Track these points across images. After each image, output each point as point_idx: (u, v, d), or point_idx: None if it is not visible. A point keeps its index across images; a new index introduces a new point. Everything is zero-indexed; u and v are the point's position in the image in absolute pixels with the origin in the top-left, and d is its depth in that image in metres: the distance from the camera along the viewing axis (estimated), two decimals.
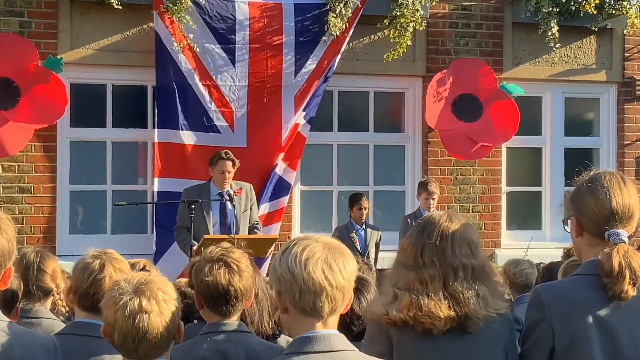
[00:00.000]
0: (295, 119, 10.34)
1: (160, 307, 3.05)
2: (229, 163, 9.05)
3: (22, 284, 4.34)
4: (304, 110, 10.36)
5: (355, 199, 10.15)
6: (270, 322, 4.39)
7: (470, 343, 3.42)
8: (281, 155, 10.30)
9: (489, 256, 10.78)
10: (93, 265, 3.84)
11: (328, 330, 2.85)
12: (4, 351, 2.83)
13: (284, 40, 10.30)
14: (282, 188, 10.39)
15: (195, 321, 4.62)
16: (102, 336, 3.16)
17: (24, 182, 9.79)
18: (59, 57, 9.62)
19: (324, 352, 2.80)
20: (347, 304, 2.91)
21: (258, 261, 8.57)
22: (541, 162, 11.85)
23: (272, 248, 9.13)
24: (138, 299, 3.03)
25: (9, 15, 9.73)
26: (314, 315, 2.83)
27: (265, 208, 10.19)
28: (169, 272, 9.56)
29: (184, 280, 5.27)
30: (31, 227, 9.73)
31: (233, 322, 3.84)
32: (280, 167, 10.32)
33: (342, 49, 10.42)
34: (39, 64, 9.46)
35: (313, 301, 2.81)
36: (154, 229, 10.07)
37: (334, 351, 2.81)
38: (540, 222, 11.83)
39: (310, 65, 10.38)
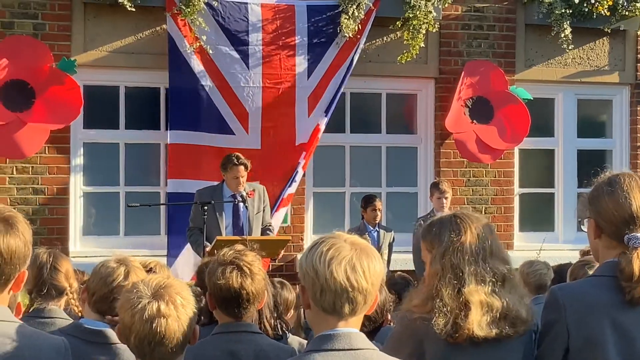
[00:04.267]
0: (317, 122, 10.34)
1: (178, 312, 3.04)
2: (242, 168, 9.02)
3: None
4: (325, 113, 10.36)
5: (369, 200, 10.15)
6: (272, 321, 4.41)
7: (502, 352, 3.42)
8: (303, 154, 10.30)
9: None
10: (118, 272, 3.84)
11: (349, 328, 2.84)
12: (14, 352, 2.83)
13: (297, 42, 10.31)
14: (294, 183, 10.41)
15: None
16: (117, 336, 3.16)
17: (38, 184, 9.82)
18: (72, 58, 9.65)
19: (344, 350, 2.79)
20: (371, 306, 2.89)
21: None
22: (554, 164, 11.82)
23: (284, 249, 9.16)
24: (156, 303, 3.02)
25: (23, 18, 9.76)
26: (334, 314, 2.83)
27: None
28: (183, 273, 9.65)
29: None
30: (45, 229, 9.76)
31: (244, 323, 3.86)
32: (301, 164, 10.35)
33: (359, 51, 10.42)
34: (53, 66, 9.49)
35: (333, 301, 2.80)
36: (167, 231, 10.09)
37: (354, 349, 2.80)
38: (552, 223, 11.80)
39: (323, 66, 10.39)
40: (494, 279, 3.40)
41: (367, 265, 2.82)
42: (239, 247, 3.98)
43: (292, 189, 10.30)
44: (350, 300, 2.80)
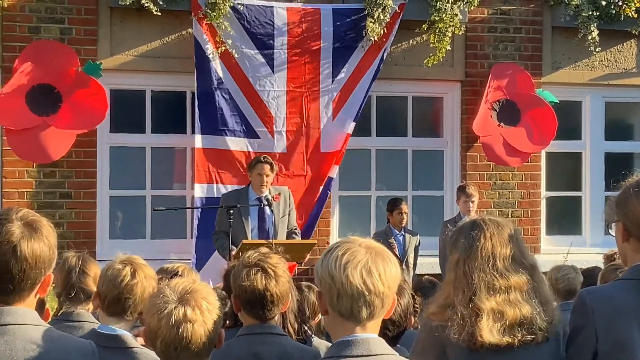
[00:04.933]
0: (343, 126, 10.33)
1: (204, 317, 3.05)
2: (267, 166, 9.04)
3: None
4: (353, 118, 10.36)
5: (395, 204, 10.12)
6: (296, 326, 4.41)
7: (523, 358, 3.39)
8: (335, 168, 10.34)
9: None
10: (124, 271, 3.88)
11: (367, 334, 2.83)
12: (41, 356, 2.83)
13: (322, 45, 10.31)
14: (328, 182, 10.43)
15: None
16: (143, 340, 3.17)
17: (65, 188, 9.86)
18: (98, 62, 9.68)
19: (362, 356, 2.79)
20: (389, 310, 2.88)
21: None
22: (581, 167, 11.76)
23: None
24: (183, 308, 3.04)
25: (50, 22, 9.81)
26: (351, 319, 2.82)
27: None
28: (212, 277, 9.63)
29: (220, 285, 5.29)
30: (72, 232, 9.80)
31: (268, 325, 3.86)
32: (333, 171, 10.36)
33: (385, 54, 10.40)
34: (79, 70, 9.53)
35: (350, 305, 2.79)
36: (195, 235, 10.11)
37: (373, 355, 2.80)
38: (580, 227, 11.74)
39: (348, 70, 10.39)
40: (508, 286, 3.38)
41: (382, 269, 2.82)
42: (264, 249, 4.00)
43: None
44: (368, 304, 2.79)
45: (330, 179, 10.36)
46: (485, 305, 3.32)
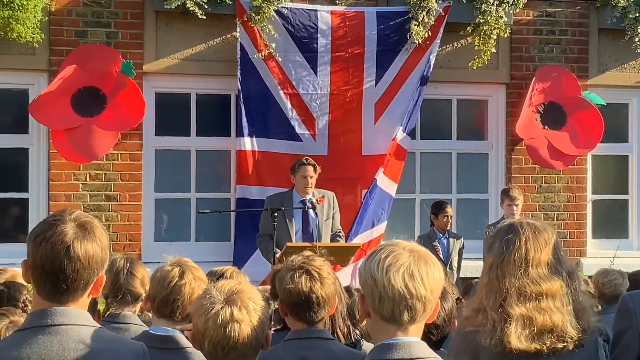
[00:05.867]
0: (386, 129, 10.33)
1: (251, 317, 3.08)
2: (310, 168, 9.06)
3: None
4: (399, 123, 10.33)
5: (440, 207, 10.07)
6: (345, 329, 4.40)
7: None
8: (381, 169, 10.28)
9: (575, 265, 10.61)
10: (173, 273, 3.89)
11: (409, 337, 2.82)
12: (92, 356, 2.86)
13: (365, 48, 10.30)
14: (384, 200, 10.38)
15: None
16: (191, 342, 3.19)
17: (111, 190, 9.94)
18: (128, 60, 9.69)
19: (404, 359, 2.78)
20: (432, 315, 2.87)
21: None
22: (628, 170, 11.64)
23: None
24: (229, 309, 3.06)
25: (96, 26, 9.90)
26: (393, 322, 2.81)
27: (368, 224, 10.20)
28: (251, 280, 9.66)
29: (264, 287, 5.30)
30: (117, 235, 9.87)
31: (316, 328, 3.86)
32: (382, 180, 10.32)
33: (432, 58, 10.37)
34: (118, 70, 9.61)
35: (392, 308, 2.79)
36: (234, 237, 10.14)
37: (415, 358, 2.79)
38: (627, 230, 11.63)
39: (391, 73, 10.37)
40: (539, 293, 3.33)
41: (425, 273, 2.80)
42: (307, 252, 4.00)
43: (385, 213, 10.39)
44: (409, 307, 2.78)
45: (376, 184, 10.30)
46: (515, 311, 3.29)
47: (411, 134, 10.87)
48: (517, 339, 3.25)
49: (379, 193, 10.31)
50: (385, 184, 10.34)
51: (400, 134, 10.34)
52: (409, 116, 10.40)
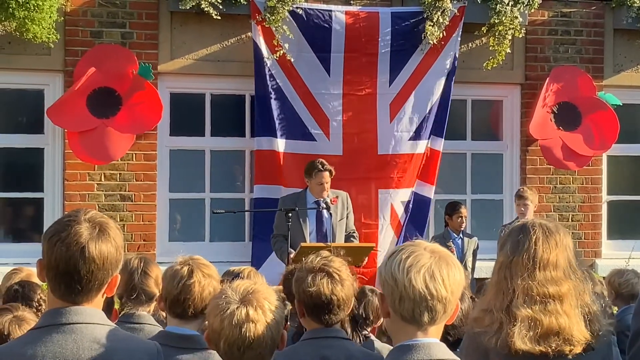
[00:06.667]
0: (410, 134, 10.41)
1: (266, 317, 3.08)
2: (326, 174, 9.01)
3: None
4: (423, 125, 10.39)
5: (454, 208, 10.07)
6: (349, 330, 4.40)
7: None
8: (417, 181, 10.47)
9: (589, 266, 10.60)
10: (182, 272, 3.91)
11: (428, 338, 2.82)
12: (107, 355, 2.87)
13: (379, 48, 10.28)
14: (424, 204, 10.50)
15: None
16: (206, 342, 3.19)
17: (125, 190, 9.96)
18: (147, 63, 9.73)
19: None
20: (452, 316, 2.86)
21: None
22: None
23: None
24: (245, 308, 3.06)
25: (111, 27, 9.92)
26: (413, 323, 2.80)
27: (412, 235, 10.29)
28: (268, 280, 9.66)
29: (279, 287, 5.30)
30: (132, 235, 9.90)
31: (334, 328, 3.86)
32: (418, 185, 10.41)
33: (450, 58, 10.37)
34: (135, 72, 9.63)
35: (412, 309, 2.78)
36: (252, 237, 10.14)
37: None
38: None
39: (406, 73, 10.36)
40: (546, 295, 3.31)
41: (446, 274, 2.79)
42: (325, 253, 3.99)
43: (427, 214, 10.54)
44: (430, 308, 2.77)
45: (413, 197, 10.46)
46: (521, 312, 3.27)
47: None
48: (520, 340, 3.24)
49: (416, 202, 10.48)
50: (423, 190, 10.48)
51: (427, 139, 10.41)
52: (435, 117, 10.41)
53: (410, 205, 10.47)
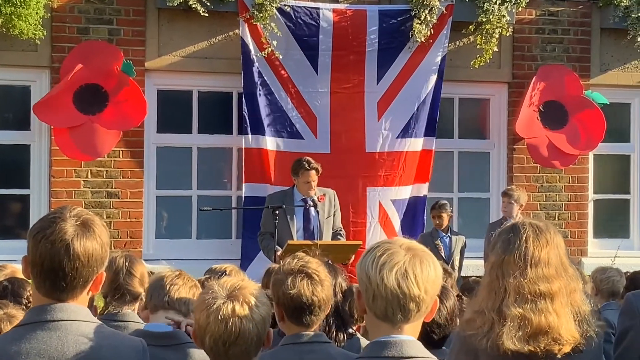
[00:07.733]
0: (411, 139, 10.42)
1: (253, 313, 3.07)
2: (313, 173, 9.00)
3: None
4: (417, 125, 10.42)
5: (433, 207, 10.09)
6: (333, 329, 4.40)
7: None
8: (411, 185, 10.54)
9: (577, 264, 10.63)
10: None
11: (402, 335, 2.80)
12: (92, 352, 2.87)
13: (367, 46, 10.29)
14: (418, 203, 10.57)
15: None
16: (192, 339, 3.19)
17: (112, 187, 9.94)
18: (128, 60, 9.67)
19: (395, 357, 2.77)
20: (430, 314, 2.85)
21: None
22: (629, 170, 11.63)
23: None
24: (231, 304, 3.06)
25: (98, 23, 9.90)
26: (386, 321, 2.80)
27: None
28: (258, 277, 9.65)
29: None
30: (118, 232, 9.88)
31: (316, 333, 3.83)
32: (415, 184, 10.49)
33: (439, 55, 10.39)
34: (119, 69, 9.61)
35: (385, 307, 2.77)
36: (241, 235, 10.13)
37: (406, 357, 2.78)
38: (628, 230, 11.62)
39: (394, 72, 10.37)
40: (537, 294, 3.29)
41: (420, 272, 2.77)
42: (300, 254, 3.95)
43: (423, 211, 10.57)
44: (402, 307, 2.76)
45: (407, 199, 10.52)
46: (512, 311, 3.25)
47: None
48: (509, 340, 3.21)
49: (413, 201, 10.55)
50: (419, 190, 10.57)
51: (420, 141, 10.44)
52: (426, 117, 10.42)
53: (407, 204, 10.47)
